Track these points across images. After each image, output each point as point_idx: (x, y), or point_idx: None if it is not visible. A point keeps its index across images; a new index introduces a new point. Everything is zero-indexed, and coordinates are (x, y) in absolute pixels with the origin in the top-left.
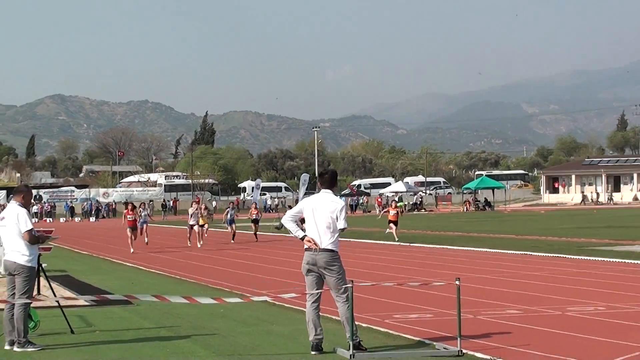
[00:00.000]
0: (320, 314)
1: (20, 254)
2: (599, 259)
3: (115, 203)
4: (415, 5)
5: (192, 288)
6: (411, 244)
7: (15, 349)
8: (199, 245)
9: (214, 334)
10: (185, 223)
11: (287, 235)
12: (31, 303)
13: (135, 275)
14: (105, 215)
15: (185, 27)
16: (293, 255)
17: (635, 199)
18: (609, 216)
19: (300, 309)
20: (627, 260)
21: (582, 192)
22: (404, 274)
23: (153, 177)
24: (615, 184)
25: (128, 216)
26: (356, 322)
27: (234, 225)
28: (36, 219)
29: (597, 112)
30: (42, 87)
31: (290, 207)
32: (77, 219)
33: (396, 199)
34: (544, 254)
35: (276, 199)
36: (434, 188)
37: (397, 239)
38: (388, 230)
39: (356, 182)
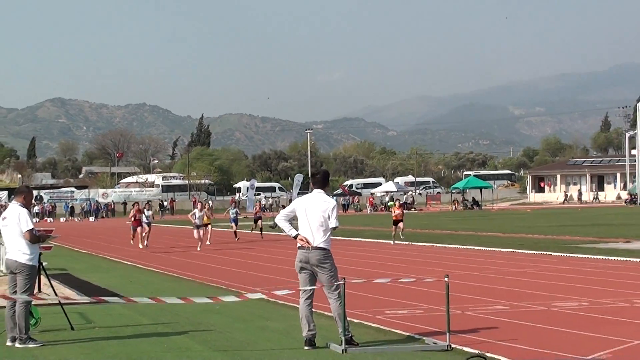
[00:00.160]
0: (313, 310)
1: (21, 252)
2: (583, 256)
3: (114, 203)
4: (405, 11)
5: (188, 286)
6: (399, 242)
7: (17, 345)
8: (198, 248)
9: (210, 330)
10: (182, 222)
11: (280, 233)
12: (32, 300)
13: (133, 273)
14: (104, 215)
15: (182, 33)
16: (293, 255)
17: (619, 197)
18: (592, 215)
19: (294, 305)
20: (610, 257)
21: (564, 192)
22: (394, 271)
23: (151, 178)
24: (599, 183)
25: (137, 215)
26: (348, 318)
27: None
28: (37, 219)
29: (581, 114)
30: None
31: (283, 207)
32: (76, 219)
33: (400, 198)
34: (530, 252)
35: (270, 199)
36: (424, 188)
37: (393, 242)
38: (394, 232)
39: (348, 182)
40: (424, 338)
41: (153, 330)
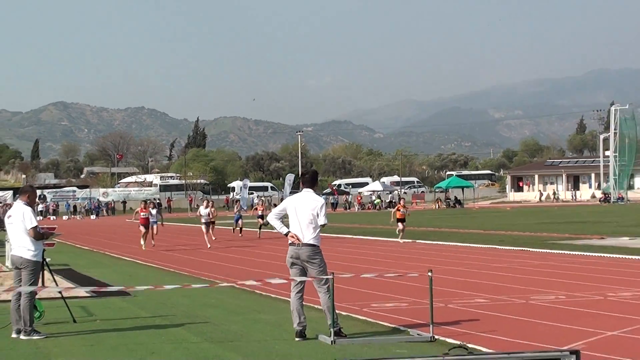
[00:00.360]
0: (304, 303)
1: (26, 249)
2: (560, 252)
3: (114, 202)
4: (392, 21)
5: (184, 280)
6: (396, 240)
7: (22, 337)
8: (208, 245)
9: (206, 322)
10: (183, 220)
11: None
12: (36, 294)
13: (132, 268)
14: (105, 213)
15: (180, 42)
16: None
17: (593, 196)
18: (569, 213)
19: (286, 298)
20: (585, 253)
21: (539, 191)
22: (381, 266)
23: (149, 178)
24: (575, 183)
25: (142, 214)
26: (337, 311)
27: (240, 222)
28: (41, 217)
29: (558, 117)
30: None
31: (275, 206)
32: (78, 217)
33: (403, 196)
34: (510, 248)
35: (263, 198)
36: (409, 187)
37: (401, 240)
38: (398, 229)
39: (336, 182)
40: (409, 330)
41: (151, 322)
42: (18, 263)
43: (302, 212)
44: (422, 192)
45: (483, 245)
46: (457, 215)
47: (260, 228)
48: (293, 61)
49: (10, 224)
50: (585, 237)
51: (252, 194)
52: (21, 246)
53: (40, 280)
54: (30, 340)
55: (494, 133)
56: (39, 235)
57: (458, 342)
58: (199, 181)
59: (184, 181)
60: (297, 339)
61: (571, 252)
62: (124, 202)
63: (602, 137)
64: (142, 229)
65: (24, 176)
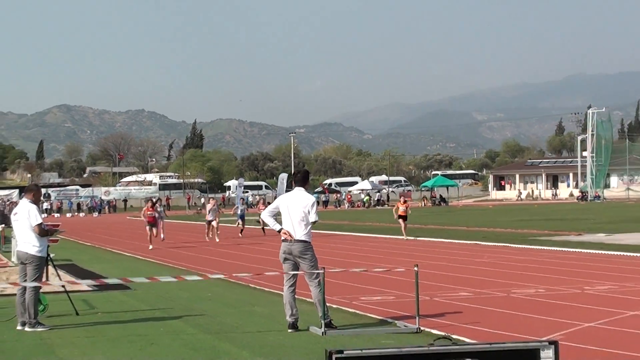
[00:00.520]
0: (296, 296)
1: (31, 245)
2: (540, 247)
3: (115, 200)
4: (378, 28)
5: (180, 274)
6: (403, 238)
7: (27, 329)
8: (217, 240)
9: (203, 315)
10: (182, 217)
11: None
12: (41, 288)
13: (132, 263)
14: (107, 211)
15: (178, 48)
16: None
17: (571, 195)
18: (548, 210)
19: (279, 292)
20: (563, 249)
21: (518, 190)
22: (369, 261)
23: (149, 177)
24: (554, 182)
25: (148, 212)
26: (327, 304)
27: (241, 221)
28: (45, 215)
29: (538, 119)
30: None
31: (269, 204)
32: (81, 215)
33: (406, 195)
34: (492, 244)
35: (257, 196)
36: (396, 186)
37: (405, 236)
38: (404, 228)
39: (327, 181)
40: (396, 322)
41: (150, 315)
42: (23, 258)
43: (294, 210)
44: (409, 190)
45: (466, 241)
46: (442, 213)
47: (265, 225)
48: (286, 66)
49: (16, 221)
50: (564, 233)
51: (246, 192)
52: (26, 242)
53: (44, 274)
54: (34, 332)
55: (477, 135)
56: (43, 232)
57: (443, 333)
58: (196, 180)
59: (182, 180)
60: (289, 331)
61: (550, 248)
62: (125, 200)
63: (579, 138)
64: (148, 228)
65: (29, 175)
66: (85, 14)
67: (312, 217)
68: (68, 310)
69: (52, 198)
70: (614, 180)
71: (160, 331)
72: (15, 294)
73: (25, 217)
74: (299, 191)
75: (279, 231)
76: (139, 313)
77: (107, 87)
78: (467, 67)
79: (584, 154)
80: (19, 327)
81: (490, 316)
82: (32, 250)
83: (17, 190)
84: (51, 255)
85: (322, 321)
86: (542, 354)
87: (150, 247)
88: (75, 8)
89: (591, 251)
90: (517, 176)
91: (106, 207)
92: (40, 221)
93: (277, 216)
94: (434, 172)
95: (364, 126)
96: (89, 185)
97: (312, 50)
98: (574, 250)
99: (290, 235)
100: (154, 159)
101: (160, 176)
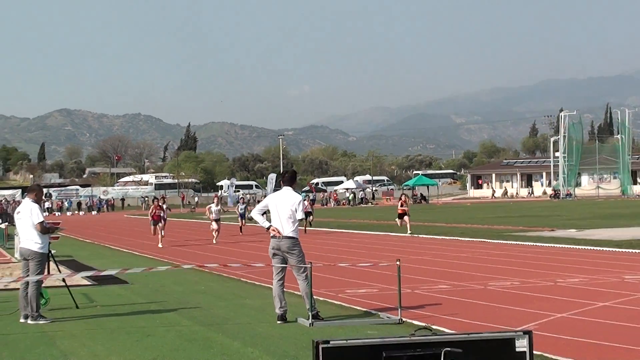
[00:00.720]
0: (285, 290)
1: (33, 242)
2: (515, 242)
3: (113, 199)
4: (362, 35)
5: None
6: (403, 235)
7: (29, 322)
8: (214, 241)
9: (197, 307)
10: (177, 215)
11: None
12: (42, 283)
13: (129, 259)
14: (105, 209)
15: (174, 55)
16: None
17: (544, 193)
18: (522, 207)
19: (268, 285)
20: (537, 244)
21: (492, 189)
22: (354, 256)
23: (145, 177)
24: (528, 181)
25: (156, 211)
26: (314, 297)
27: (244, 220)
28: (47, 213)
29: (513, 122)
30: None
31: (258, 202)
32: (81, 213)
33: (407, 194)
34: (470, 239)
35: (248, 195)
36: (379, 185)
37: (409, 231)
38: (401, 223)
39: (314, 181)
40: (379, 313)
41: (147, 308)
42: (26, 255)
43: (282, 208)
44: (392, 189)
45: (446, 237)
46: (423, 210)
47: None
48: (275, 72)
49: (19, 219)
50: (537, 229)
51: (238, 191)
52: (29, 239)
53: (46, 270)
54: (36, 325)
55: (456, 136)
56: (45, 229)
57: (423, 324)
58: (190, 180)
59: (176, 180)
60: (278, 322)
61: (524, 243)
62: (123, 200)
63: (552, 140)
64: (152, 227)
65: (31, 176)
66: (85, 26)
67: (299, 215)
68: (68, 303)
69: (53, 197)
70: (584, 179)
71: (156, 323)
72: (18, 289)
73: (28, 215)
74: (287, 190)
75: (268, 228)
76: (136, 306)
77: (106, 92)
78: (445, 72)
79: (557, 154)
80: (21, 320)
81: (468, 308)
82: (35, 247)
83: (20, 190)
84: (52, 251)
85: (310, 313)
86: (517, 343)
87: (160, 245)
88: (75, 20)
89: (563, 246)
90: (494, 175)
91: (105, 206)
92: (42, 219)
93: (266, 214)
94: (415, 172)
95: (349, 129)
96: (88, 186)
97: (300, 56)
98: (547, 245)
99: (278, 232)
100: (150, 160)
101: (156, 176)
